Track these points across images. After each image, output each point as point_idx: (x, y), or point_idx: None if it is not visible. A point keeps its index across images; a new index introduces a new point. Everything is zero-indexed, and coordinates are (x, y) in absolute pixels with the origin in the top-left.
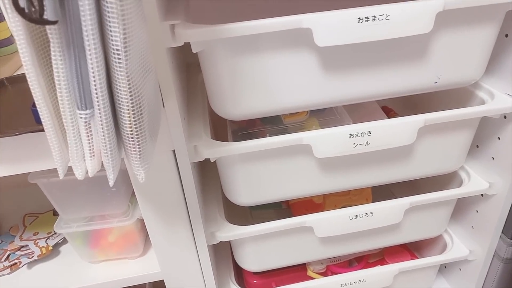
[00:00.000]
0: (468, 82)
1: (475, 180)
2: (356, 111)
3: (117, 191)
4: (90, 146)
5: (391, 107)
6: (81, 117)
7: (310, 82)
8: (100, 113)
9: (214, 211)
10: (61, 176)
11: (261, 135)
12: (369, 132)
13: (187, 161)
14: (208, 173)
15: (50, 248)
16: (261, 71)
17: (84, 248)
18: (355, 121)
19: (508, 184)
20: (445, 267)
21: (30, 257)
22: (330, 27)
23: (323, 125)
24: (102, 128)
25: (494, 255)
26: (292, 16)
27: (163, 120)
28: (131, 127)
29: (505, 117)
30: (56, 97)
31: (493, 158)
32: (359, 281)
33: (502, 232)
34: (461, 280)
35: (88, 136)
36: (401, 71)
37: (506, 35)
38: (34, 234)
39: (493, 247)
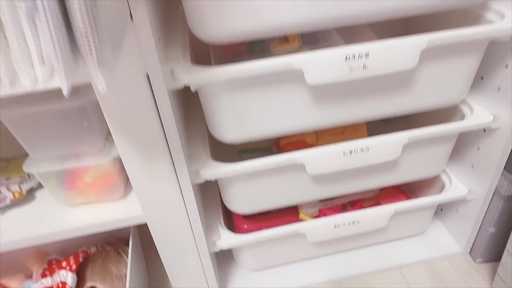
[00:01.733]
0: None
1: (478, 113)
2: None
3: (89, 126)
4: (37, 49)
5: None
6: (21, 8)
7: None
8: (42, 3)
9: (198, 149)
10: (7, 88)
11: None
12: (367, 54)
13: (163, 88)
14: (192, 109)
15: (24, 192)
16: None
17: (59, 190)
18: None
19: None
20: (442, 209)
21: (2, 202)
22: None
23: None
24: (47, 21)
25: (494, 193)
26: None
27: (132, 37)
28: (84, 22)
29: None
30: None
31: (499, 89)
32: (354, 222)
33: (504, 168)
34: (458, 222)
35: (33, 36)
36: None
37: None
38: (7, 179)
39: (494, 185)
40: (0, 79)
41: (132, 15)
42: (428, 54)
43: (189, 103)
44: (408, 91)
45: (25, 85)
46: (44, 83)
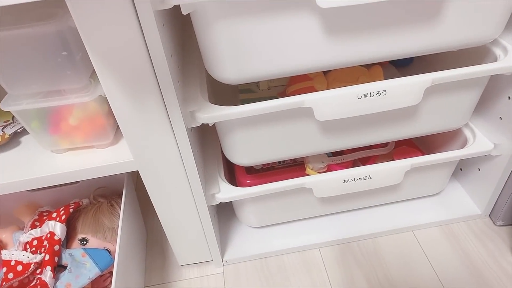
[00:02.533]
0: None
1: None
2: None
3: (70, 58)
4: None
5: None
6: None
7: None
8: None
9: (195, 90)
10: None
11: None
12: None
13: (148, 7)
14: (190, 46)
15: (7, 136)
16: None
17: (42, 133)
18: None
19: None
20: (461, 169)
21: None
22: None
23: None
24: None
25: None
26: None
27: None
28: None
29: None
30: None
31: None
32: (365, 177)
33: None
34: (479, 181)
35: None
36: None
37: None
38: None
39: None
40: None
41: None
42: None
43: (186, 39)
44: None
45: None
46: None
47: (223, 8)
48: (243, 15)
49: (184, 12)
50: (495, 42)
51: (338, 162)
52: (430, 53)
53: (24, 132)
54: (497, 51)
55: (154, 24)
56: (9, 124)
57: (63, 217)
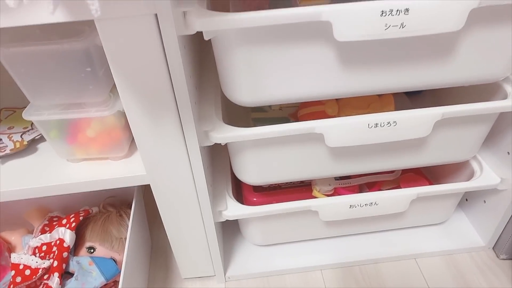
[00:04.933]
0: (496, 79)
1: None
2: None
3: (93, 74)
4: None
5: None
6: None
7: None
8: None
9: (210, 110)
10: None
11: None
12: (407, 10)
13: (173, 31)
14: (206, 68)
15: (25, 143)
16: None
17: (60, 142)
18: None
19: None
20: (467, 199)
21: (2, 151)
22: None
23: None
24: None
25: None
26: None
27: None
28: None
29: None
30: None
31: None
32: (371, 203)
33: None
34: (484, 214)
35: None
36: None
37: None
38: (9, 128)
39: None
40: None
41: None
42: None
43: (203, 60)
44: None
45: (9, 4)
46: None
47: (243, 36)
48: (261, 43)
49: (206, 38)
50: (506, 79)
51: (345, 186)
52: (441, 87)
53: (41, 139)
54: (508, 88)
55: (177, 47)
56: (28, 130)
57: (73, 224)
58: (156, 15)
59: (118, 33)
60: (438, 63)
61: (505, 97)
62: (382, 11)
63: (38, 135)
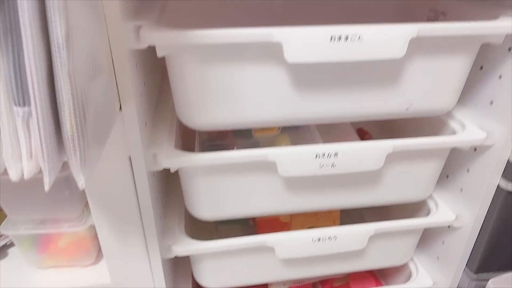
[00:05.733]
0: (440, 111)
1: (442, 211)
2: (329, 132)
3: (71, 194)
4: (27, 146)
5: (367, 130)
6: (18, 114)
7: (280, 98)
8: (36, 111)
9: (173, 223)
10: None
11: (230, 148)
12: (336, 154)
13: (143, 170)
14: (174, 181)
15: None
16: (228, 82)
17: (31, 252)
18: (327, 142)
19: (473, 217)
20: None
21: None
22: (301, 43)
23: (294, 142)
24: (38, 125)
25: None
26: (263, 28)
27: (119, 125)
28: (72, 129)
29: (475, 149)
30: None
31: (461, 189)
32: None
33: (466, 265)
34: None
35: (25, 136)
36: (373, 94)
37: (481, 68)
38: None
39: (457, 280)
40: None
41: (122, 106)
42: (394, 157)
43: (171, 175)
44: (375, 187)
45: (12, 178)
46: (28, 176)
47: (203, 169)
48: (218, 174)
49: (173, 171)
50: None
51: (298, 284)
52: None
53: (12, 244)
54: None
55: (146, 180)
56: (0, 236)
57: None
58: (130, 157)
59: (96, 171)
60: (367, 190)
61: (428, 212)
62: (317, 154)
63: (9, 241)
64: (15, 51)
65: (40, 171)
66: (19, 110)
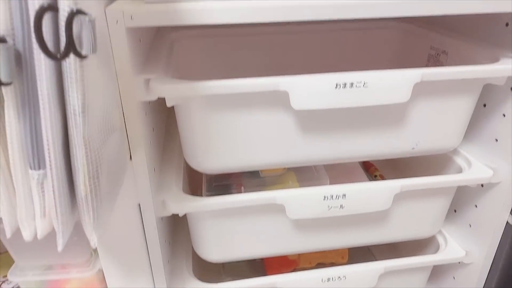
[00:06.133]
0: (446, 149)
1: (452, 247)
2: (335, 168)
3: (79, 240)
4: (41, 206)
5: (373, 162)
6: (33, 177)
7: (286, 142)
8: (52, 175)
9: (181, 265)
10: (8, 235)
11: (237, 187)
12: (344, 195)
13: (152, 216)
14: (181, 222)
15: None
16: (236, 128)
17: None
18: (333, 179)
19: (484, 254)
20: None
21: None
22: (307, 91)
23: (301, 181)
24: (53, 190)
25: None
26: (269, 78)
27: (129, 173)
28: (85, 191)
29: (482, 185)
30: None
31: (470, 225)
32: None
33: None
34: None
35: (39, 196)
36: (379, 136)
37: (484, 105)
38: None
39: None
40: (5, 229)
41: (132, 156)
42: (402, 196)
43: (176, 219)
44: (384, 226)
45: (25, 237)
46: (42, 235)
47: (211, 213)
48: (225, 217)
49: (181, 215)
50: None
51: None
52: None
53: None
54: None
55: (155, 227)
56: (6, 280)
57: None
58: (139, 204)
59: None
60: (376, 228)
61: (437, 248)
62: (325, 196)
63: (16, 285)
64: (32, 118)
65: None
66: (34, 174)
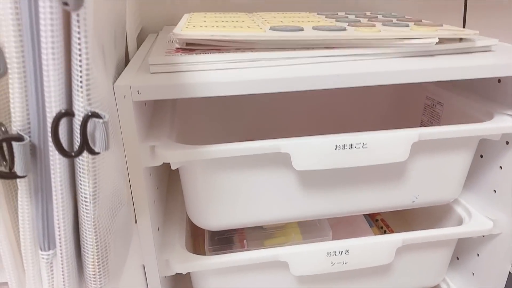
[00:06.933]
0: (445, 201)
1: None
2: (337, 219)
3: None
4: (49, 283)
5: None
6: (43, 258)
7: (288, 199)
8: (61, 255)
9: None
10: None
11: (240, 240)
12: (347, 251)
13: (156, 276)
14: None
15: None
16: (239, 188)
17: None
18: (335, 230)
19: None
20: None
21: None
22: (308, 153)
23: (304, 233)
24: (63, 269)
25: None
26: (271, 141)
27: (134, 236)
28: (94, 269)
29: (483, 236)
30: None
31: (473, 274)
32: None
33: None
34: None
35: (48, 274)
36: (379, 192)
37: (481, 156)
38: None
39: None
40: None
41: (137, 219)
42: (403, 249)
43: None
44: (386, 277)
45: None
46: None
47: (213, 271)
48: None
49: (184, 273)
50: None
51: None
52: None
53: None
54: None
55: (159, 283)
56: None
57: None
58: (143, 265)
59: None
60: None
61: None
62: (328, 252)
63: None
64: (44, 203)
65: None
66: (44, 254)
